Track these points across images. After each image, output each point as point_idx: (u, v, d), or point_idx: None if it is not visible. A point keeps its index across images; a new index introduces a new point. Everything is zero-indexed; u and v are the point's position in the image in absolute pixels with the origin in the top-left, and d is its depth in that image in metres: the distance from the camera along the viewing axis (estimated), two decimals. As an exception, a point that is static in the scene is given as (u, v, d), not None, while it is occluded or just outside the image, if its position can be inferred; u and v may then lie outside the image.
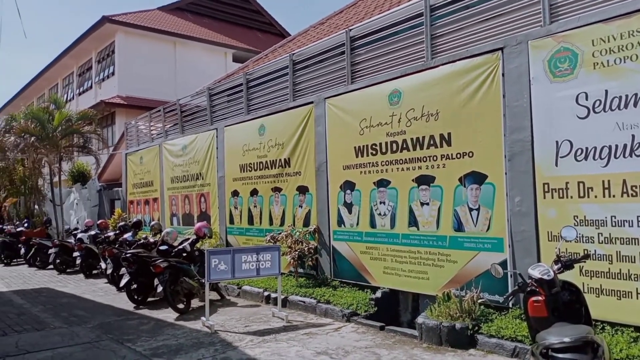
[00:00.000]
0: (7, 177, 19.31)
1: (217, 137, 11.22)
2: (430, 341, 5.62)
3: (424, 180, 6.70)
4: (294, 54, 9.49)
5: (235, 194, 10.58)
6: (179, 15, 26.18)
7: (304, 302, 7.46)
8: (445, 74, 6.53)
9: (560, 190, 5.36)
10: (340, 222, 7.96)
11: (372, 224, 7.42)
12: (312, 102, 8.63)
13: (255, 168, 9.97)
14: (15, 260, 15.56)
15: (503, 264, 5.74)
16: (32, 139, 15.93)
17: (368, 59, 7.93)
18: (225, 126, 10.94)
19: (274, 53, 14.58)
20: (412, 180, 6.83)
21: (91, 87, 24.51)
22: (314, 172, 8.55)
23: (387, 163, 7.19)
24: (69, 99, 25.46)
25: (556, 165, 5.41)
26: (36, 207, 19.07)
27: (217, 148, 11.22)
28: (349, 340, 5.92)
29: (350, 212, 7.80)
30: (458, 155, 6.32)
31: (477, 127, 6.15)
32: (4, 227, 17.23)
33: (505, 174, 5.87)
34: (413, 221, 6.85)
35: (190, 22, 25.95)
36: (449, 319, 5.62)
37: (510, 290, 5.69)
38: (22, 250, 15.13)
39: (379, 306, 6.92)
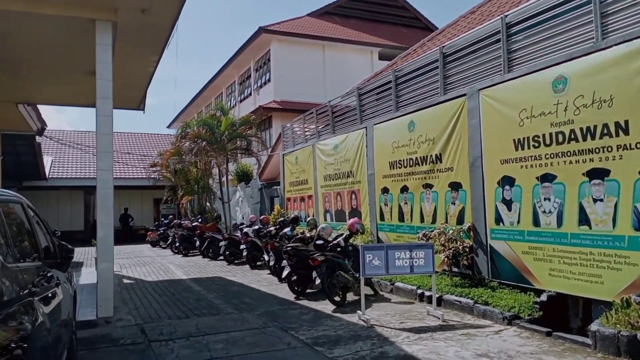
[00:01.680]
0: (183, 177, 21.92)
1: (366, 135, 11.42)
2: (605, 351, 5.06)
3: (597, 174, 6.04)
4: (444, 46, 9.25)
5: (385, 190, 10.66)
6: (327, 19, 27.17)
7: (460, 302, 7.24)
8: (620, 54, 5.82)
9: None
10: (499, 220, 7.55)
11: (536, 222, 6.90)
12: (464, 95, 8.33)
13: (405, 165, 9.93)
14: (191, 251, 17.59)
15: (701, 270, 4.97)
16: (204, 143, 17.85)
17: (527, 45, 7.40)
18: (375, 124, 11.08)
19: (423, 47, 14.35)
20: (583, 174, 6.20)
21: (250, 94, 26.62)
22: (468, 167, 8.24)
23: (552, 156, 6.63)
24: (232, 106, 27.94)
25: None
26: (208, 204, 21.31)
27: (366, 146, 11.42)
28: (512, 344, 5.60)
29: (509, 209, 7.36)
30: (638, 145, 5.59)
31: (663, 112, 5.38)
32: (182, 222, 19.60)
33: (702, 164, 5.04)
34: (584, 219, 6.22)
35: (338, 24, 26.76)
36: (628, 327, 5.01)
37: None
38: (197, 243, 17.07)
39: (544, 310, 6.43)
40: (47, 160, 24.29)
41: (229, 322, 7.05)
